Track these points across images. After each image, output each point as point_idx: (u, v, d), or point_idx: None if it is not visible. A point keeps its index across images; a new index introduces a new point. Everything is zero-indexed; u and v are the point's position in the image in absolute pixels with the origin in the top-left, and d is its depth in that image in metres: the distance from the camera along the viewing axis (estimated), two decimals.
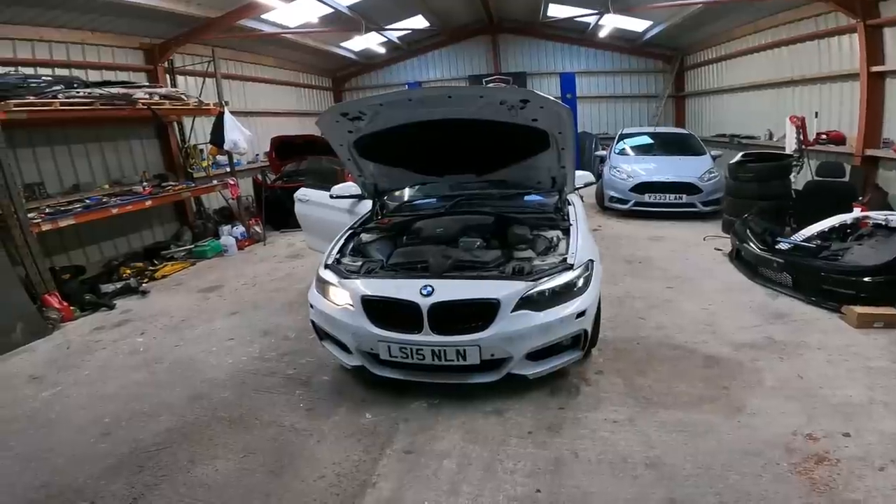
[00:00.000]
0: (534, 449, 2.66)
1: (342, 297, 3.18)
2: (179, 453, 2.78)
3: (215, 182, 7.53)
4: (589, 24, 10.15)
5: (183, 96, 6.72)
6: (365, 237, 3.89)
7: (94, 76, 6.49)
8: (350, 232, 3.94)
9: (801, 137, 6.89)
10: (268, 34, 8.55)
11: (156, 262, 6.58)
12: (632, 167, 7.94)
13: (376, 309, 3.05)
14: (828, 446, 2.49)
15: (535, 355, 3.07)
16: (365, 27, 9.17)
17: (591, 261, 3.26)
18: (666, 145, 8.74)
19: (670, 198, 7.52)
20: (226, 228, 7.63)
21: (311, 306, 3.37)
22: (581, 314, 3.01)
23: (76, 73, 6.27)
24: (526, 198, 4.35)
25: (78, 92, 5.40)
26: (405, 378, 3.13)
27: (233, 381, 3.57)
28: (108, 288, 5.56)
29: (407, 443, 2.78)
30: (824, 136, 7.09)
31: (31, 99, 4.93)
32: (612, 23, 9.74)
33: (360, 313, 3.07)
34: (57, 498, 2.49)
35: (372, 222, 4.11)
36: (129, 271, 6.10)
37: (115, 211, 5.81)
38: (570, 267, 3.09)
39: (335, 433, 2.91)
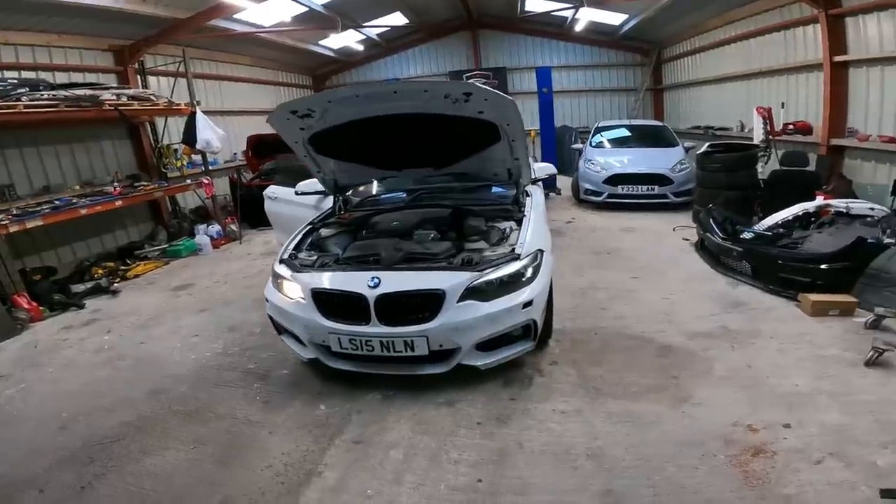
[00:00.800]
0: (481, 440, 2.71)
1: (295, 291, 3.22)
2: (132, 445, 2.82)
3: (189, 182, 7.52)
4: (566, 18, 10.18)
5: (152, 97, 6.70)
6: (324, 232, 3.93)
7: (62, 78, 6.46)
8: (309, 227, 3.98)
9: (768, 128, 6.99)
10: (241, 34, 8.51)
11: (128, 261, 6.58)
12: (605, 159, 8.01)
13: (326, 301, 3.09)
14: (767, 438, 2.51)
15: (486, 346, 3.12)
16: (342, 25, 9.13)
17: (541, 251, 3.30)
18: (640, 138, 8.83)
19: (642, 189, 7.61)
20: (201, 227, 7.61)
21: (267, 300, 3.41)
22: (528, 304, 3.05)
23: (44, 75, 6.24)
24: (494, 189, 4.39)
25: (42, 94, 5.37)
26: (357, 370, 3.19)
27: (193, 376, 3.61)
28: (78, 288, 5.55)
29: (357, 433, 2.83)
30: (791, 127, 7.19)
31: None
32: (588, 16, 9.79)
33: (311, 306, 3.12)
34: (9, 487, 2.54)
35: (332, 217, 4.15)
36: (101, 271, 6.10)
37: (83, 212, 5.80)
38: (517, 257, 3.13)
39: (288, 425, 2.95)
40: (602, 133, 9.10)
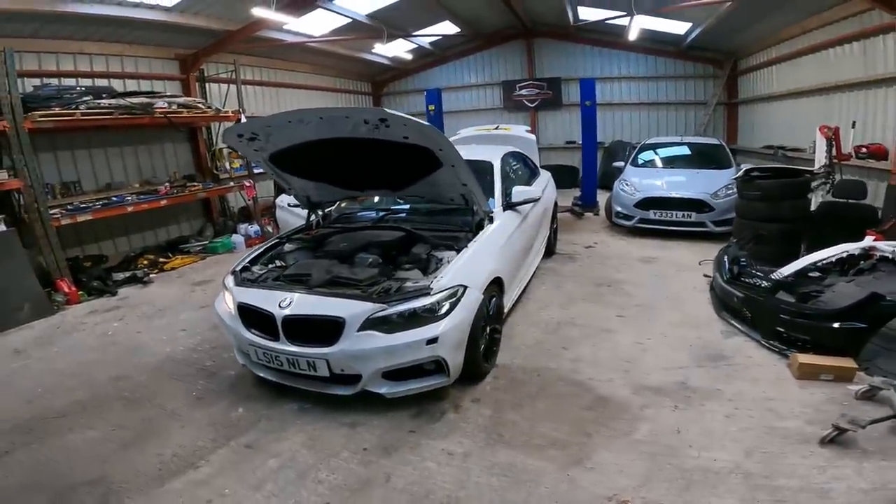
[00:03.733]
0: (356, 465, 2.73)
1: (230, 302, 3.45)
2: (67, 422, 3.21)
3: (232, 183, 8.21)
4: (624, 26, 9.63)
5: (200, 104, 7.41)
6: (287, 246, 4.13)
7: (132, 85, 7.35)
8: (276, 240, 4.21)
9: (833, 151, 6.08)
10: (291, 43, 9.11)
11: (170, 254, 7.32)
12: (641, 180, 7.46)
13: (247, 315, 3.28)
14: None
15: (394, 375, 3.12)
16: (388, 34, 9.41)
17: (464, 287, 3.21)
18: (690, 157, 8.12)
19: (677, 215, 6.99)
20: (242, 227, 8.29)
21: (214, 307, 3.68)
22: (433, 340, 3.00)
23: (115, 83, 7.14)
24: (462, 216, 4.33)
25: (100, 103, 6.16)
26: (276, 380, 3.35)
27: (156, 367, 3.99)
28: (118, 276, 6.32)
29: (253, 438, 2.99)
30: (864, 150, 6.19)
31: (57, 109, 5.75)
32: (643, 25, 9.18)
33: (237, 318, 3.34)
34: None
35: (301, 232, 4.34)
36: (144, 262, 6.88)
37: (130, 209, 6.57)
38: (428, 292, 3.07)
39: (202, 421, 3.19)
40: (647, 151, 8.49)
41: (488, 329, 3.59)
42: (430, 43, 11.81)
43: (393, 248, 3.77)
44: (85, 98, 6.12)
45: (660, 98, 11.66)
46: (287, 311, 3.06)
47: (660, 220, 7.09)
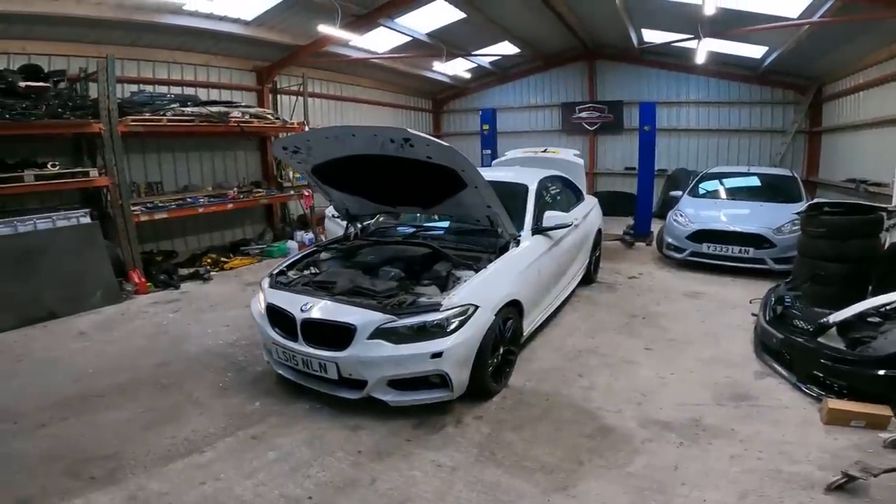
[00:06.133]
0: (347, 466, 2.85)
1: (262, 302, 3.73)
2: (105, 401, 3.56)
3: (291, 192, 8.78)
4: (692, 49, 9.31)
5: (269, 115, 8.04)
6: (323, 255, 4.39)
7: (214, 95, 8.13)
8: (314, 248, 4.49)
9: None
10: (355, 59, 9.65)
11: (231, 255, 7.94)
12: (697, 212, 7.10)
13: (273, 315, 3.53)
14: None
15: (399, 385, 3.23)
16: (447, 53, 9.70)
17: (475, 306, 3.28)
18: (756, 189, 7.63)
19: (733, 250, 6.56)
20: (299, 234, 8.82)
21: (251, 306, 3.98)
22: (437, 355, 3.09)
23: (200, 92, 7.96)
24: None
25: (184, 110, 6.88)
26: (292, 378, 3.56)
27: (195, 357, 4.34)
28: (184, 272, 6.94)
29: (260, 430, 3.20)
30: None
31: (147, 115, 6.48)
32: (712, 48, 8.81)
33: (265, 317, 3.60)
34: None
35: (336, 243, 4.59)
36: (208, 260, 7.51)
37: (200, 210, 7.25)
38: (437, 308, 3.16)
39: (219, 410, 3.44)
40: (709, 181, 8.08)
41: (501, 350, 3.62)
42: (490, 62, 11.98)
43: (416, 264, 3.89)
44: (172, 105, 6.87)
45: (731, 125, 11.02)
46: (306, 315, 3.28)
47: (713, 255, 6.69)
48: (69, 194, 6.24)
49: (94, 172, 5.93)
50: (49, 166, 5.57)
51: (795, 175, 7.83)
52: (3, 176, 5.19)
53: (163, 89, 7.53)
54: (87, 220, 5.80)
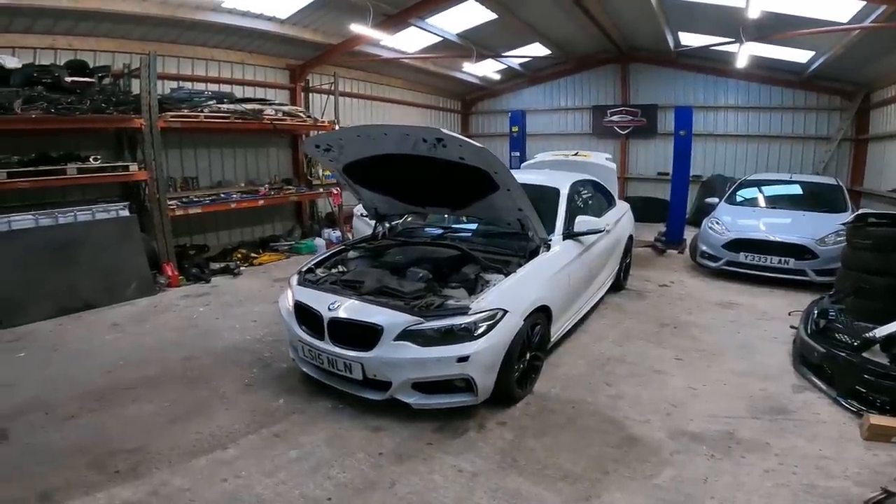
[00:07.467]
0: (367, 468, 2.82)
1: (290, 299, 3.75)
2: (134, 394, 3.62)
3: (321, 190, 8.88)
4: (732, 53, 9.02)
5: (301, 113, 8.15)
6: (351, 253, 4.40)
7: (248, 92, 8.28)
8: (342, 247, 4.51)
9: None
10: (385, 58, 9.70)
11: (260, 250, 8.07)
12: (734, 220, 6.86)
13: (301, 313, 3.55)
14: None
15: (424, 387, 3.20)
16: (477, 54, 9.64)
17: (504, 311, 3.23)
18: (798, 198, 7.33)
19: (772, 261, 6.31)
20: (326, 231, 8.91)
21: (279, 302, 4.01)
22: (464, 359, 3.04)
23: (235, 89, 8.12)
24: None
25: (220, 107, 7.03)
26: (315, 376, 3.57)
27: (222, 352, 4.39)
28: (214, 266, 7.09)
29: (283, 428, 3.20)
30: None
31: (185, 111, 6.64)
32: (755, 52, 8.51)
33: (292, 314, 3.62)
34: (30, 404, 3.42)
35: (365, 242, 4.59)
36: (239, 255, 7.65)
37: (233, 206, 7.39)
38: (465, 312, 3.12)
39: (244, 407, 3.46)
40: (747, 188, 7.80)
41: (528, 355, 3.55)
42: (520, 64, 11.87)
43: (444, 266, 3.84)
44: (209, 102, 7.03)
45: (772, 131, 10.62)
46: (333, 314, 3.28)
47: (750, 265, 6.45)
48: (109, 187, 6.44)
49: (133, 167, 6.10)
50: (91, 160, 5.76)
51: (841, 184, 7.48)
52: (47, 168, 5.37)
53: (200, 86, 7.69)
54: (126, 213, 5.96)
